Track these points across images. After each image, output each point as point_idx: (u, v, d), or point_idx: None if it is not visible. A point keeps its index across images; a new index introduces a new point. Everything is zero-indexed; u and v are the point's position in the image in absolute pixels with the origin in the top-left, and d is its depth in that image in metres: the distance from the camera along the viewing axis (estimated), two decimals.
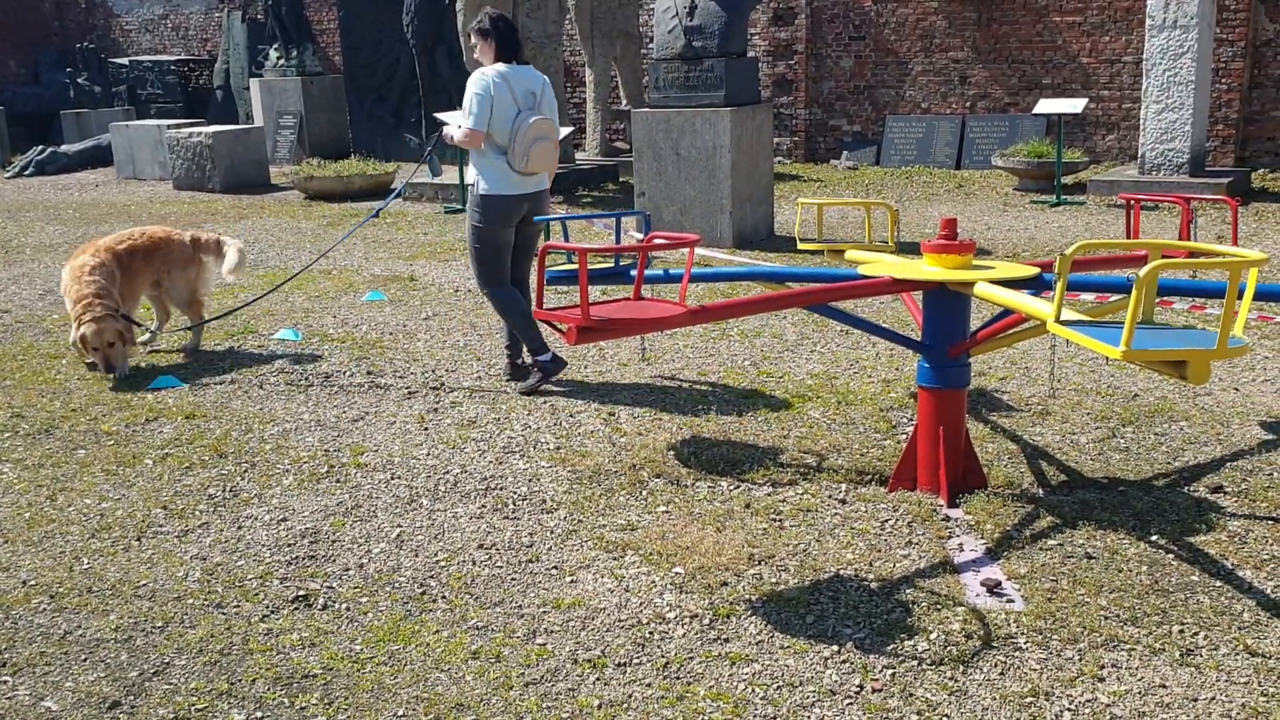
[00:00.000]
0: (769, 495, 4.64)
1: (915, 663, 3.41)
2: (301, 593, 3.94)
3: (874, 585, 3.87)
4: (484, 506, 4.62)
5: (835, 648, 3.50)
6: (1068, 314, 3.51)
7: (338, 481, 4.92)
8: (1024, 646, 3.48)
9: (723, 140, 10.07)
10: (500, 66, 5.84)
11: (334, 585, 4.00)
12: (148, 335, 7.16)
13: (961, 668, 3.37)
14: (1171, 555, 4.04)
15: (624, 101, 16.26)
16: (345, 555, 4.23)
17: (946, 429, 4.49)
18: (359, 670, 3.45)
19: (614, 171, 15.26)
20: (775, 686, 3.32)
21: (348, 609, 3.83)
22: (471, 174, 6.03)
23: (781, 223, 11.12)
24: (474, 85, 5.80)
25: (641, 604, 3.79)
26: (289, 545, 4.32)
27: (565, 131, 12.90)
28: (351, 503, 4.69)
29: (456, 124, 5.91)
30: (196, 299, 7.10)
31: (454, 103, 16.05)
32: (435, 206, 12.77)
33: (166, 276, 6.97)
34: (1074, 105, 12.57)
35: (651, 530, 4.33)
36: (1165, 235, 9.89)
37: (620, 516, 4.49)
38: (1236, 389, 5.89)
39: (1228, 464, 4.87)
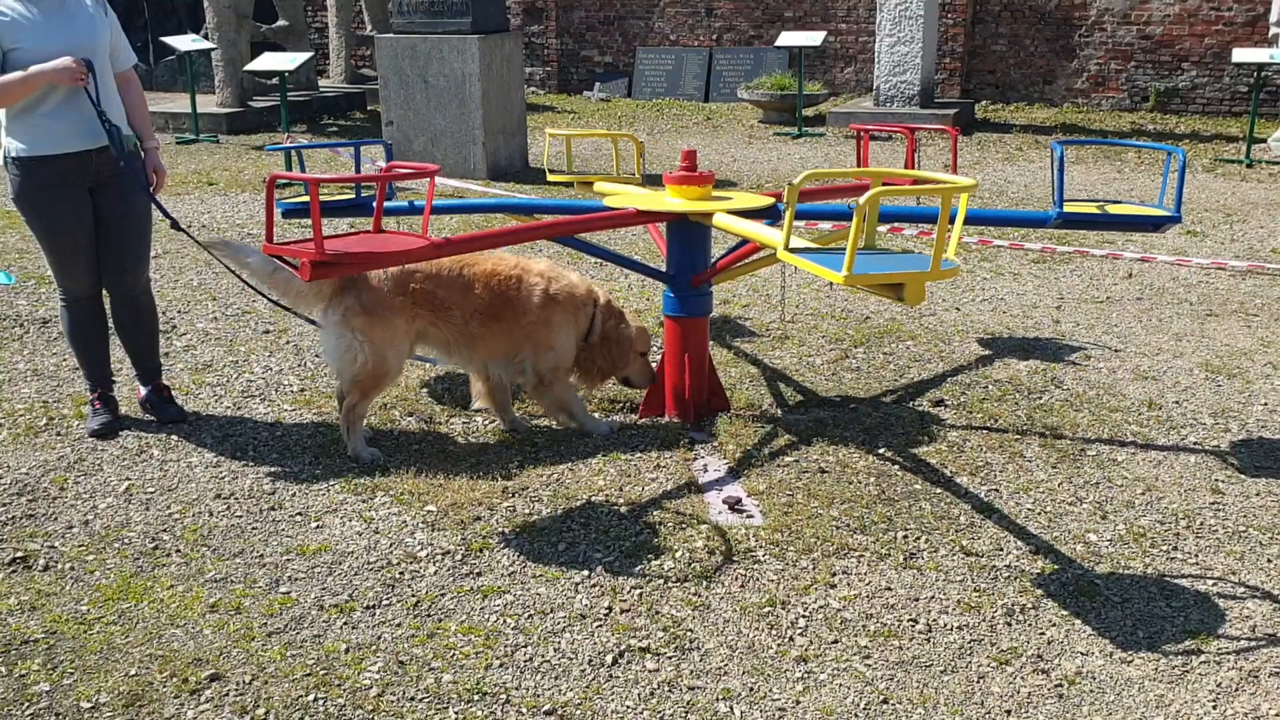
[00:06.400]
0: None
1: (661, 581, 3.51)
2: (20, 554, 3.67)
3: (624, 510, 3.95)
4: (221, 454, 4.42)
5: (585, 573, 3.56)
6: (796, 242, 3.64)
7: (58, 435, 4.59)
8: (762, 559, 3.64)
9: (472, 69, 9.87)
10: None
11: (56, 545, 3.74)
12: None
13: (704, 583, 3.50)
14: (897, 466, 4.31)
15: (368, 26, 15.67)
16: (68, 512, 3.96)
17: (691, 356, 4.60)
18: (86, 631, 3.26)
19: (360, 100, 14.74)
20: (526, 615, 3.35)
21: (72, 569, 3.60)
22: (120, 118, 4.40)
23: (536, 154, 11.04)
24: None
25: (391, 545, 3.74)
26: (4, 504, 4.00)
27: (305, 57, 12.35)
28: (74, 456, 4.39)
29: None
30: None
31: (184, 26, 15.06)
32: (166, 136, 11.97)
33: None
34: (813, 38, 12.99)
35: (403, 470, 4.26)
36: (896, 165, 10.42)
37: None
38: (958, 309, 6.30)
39: (948, 379, 5.22)
